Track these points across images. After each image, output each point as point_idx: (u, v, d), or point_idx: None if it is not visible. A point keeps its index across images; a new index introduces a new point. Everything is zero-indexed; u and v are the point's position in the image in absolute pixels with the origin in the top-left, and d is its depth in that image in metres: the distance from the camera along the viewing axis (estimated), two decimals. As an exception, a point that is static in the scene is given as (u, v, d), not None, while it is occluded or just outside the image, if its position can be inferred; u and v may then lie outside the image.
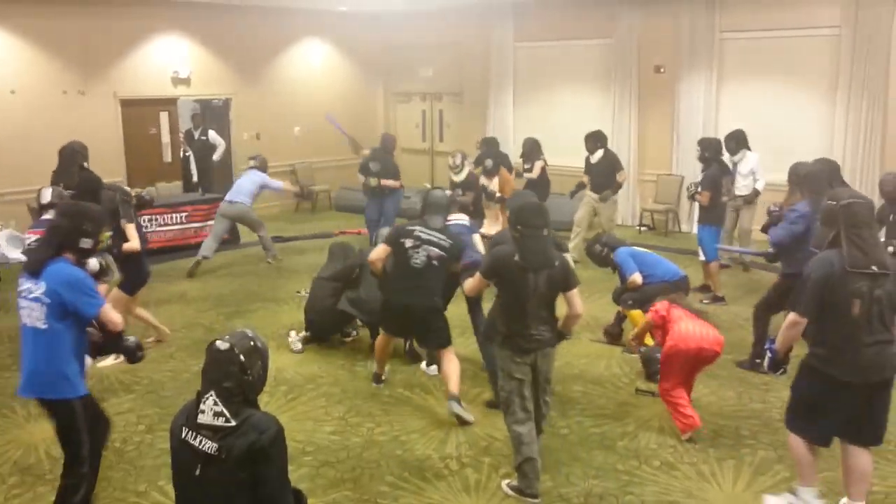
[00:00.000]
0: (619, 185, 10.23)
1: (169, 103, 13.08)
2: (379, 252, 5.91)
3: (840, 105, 10.76)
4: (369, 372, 6.63)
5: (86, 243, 4.07)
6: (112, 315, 4.12)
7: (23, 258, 10.25)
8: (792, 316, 4.25)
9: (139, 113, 12.67)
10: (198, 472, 2.88)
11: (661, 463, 5.08)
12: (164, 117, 13.13)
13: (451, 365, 5.75)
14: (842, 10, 10.61)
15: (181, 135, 13.03)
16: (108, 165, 12.08)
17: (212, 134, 12.75)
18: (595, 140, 10.18)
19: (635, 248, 7.21)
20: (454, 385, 5.66)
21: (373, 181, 10.55)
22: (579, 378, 6.48)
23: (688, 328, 5.41)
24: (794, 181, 6.76)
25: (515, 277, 4.55)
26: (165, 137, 13.22)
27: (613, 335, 7.30)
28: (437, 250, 5.72)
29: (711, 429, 5.52)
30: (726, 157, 9.23)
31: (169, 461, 5.05)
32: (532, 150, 10.78)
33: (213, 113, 13.85)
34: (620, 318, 7.24)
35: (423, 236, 5.73)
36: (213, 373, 2.92)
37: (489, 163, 10.28)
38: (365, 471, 5.01)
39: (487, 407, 5.82)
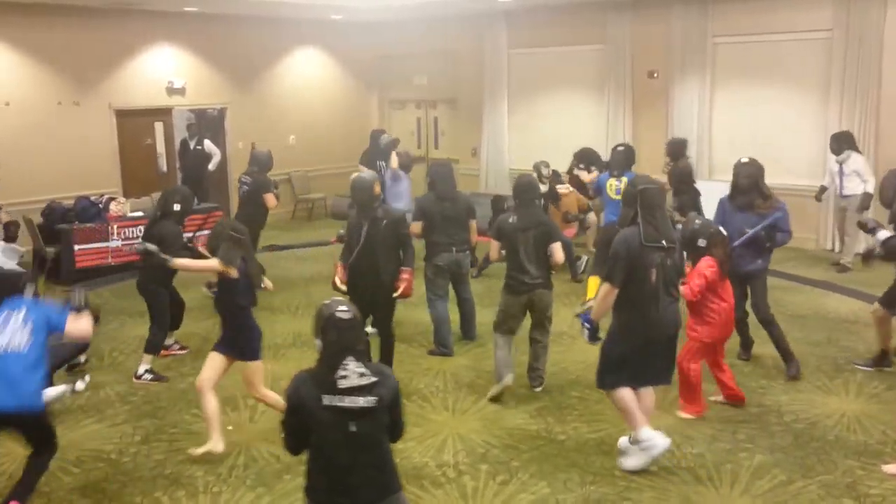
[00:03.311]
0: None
1: (164, 113, 13.09)
2: None
3: (833, 107, 10.79)
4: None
5: None
6: None
7: (18, 269, 10.35)
8: (604, 287, 4.87)
9: (134, 123, 12.67)
10: (353, 428, 3.16)
11: (659, 468, 5.06)
12: (158, 127, 13.14)
13: None
14: (833, 12, 10.64)
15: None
16: (104, 176, 12.12)
17: (207, 143, 12.73)
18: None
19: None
20: None
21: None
22: (576, 383, 6.48)
23: None
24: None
25: (512, 235, 6.03)
26: (161, 148, 13.24)
27: None
28: None
29: (708, 433, 5.52)
30: (831, 158, 9.74)
31: (165, 472, 5.09)
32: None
33: (209, 123, 13.86)
34: None
35: None
36: (346, 339, 3.20)
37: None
38: (362, 479, 4.99)
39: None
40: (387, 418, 3.24)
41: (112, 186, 12.07)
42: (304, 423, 3.22)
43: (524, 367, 6.42)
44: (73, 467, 5.26)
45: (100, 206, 10.58)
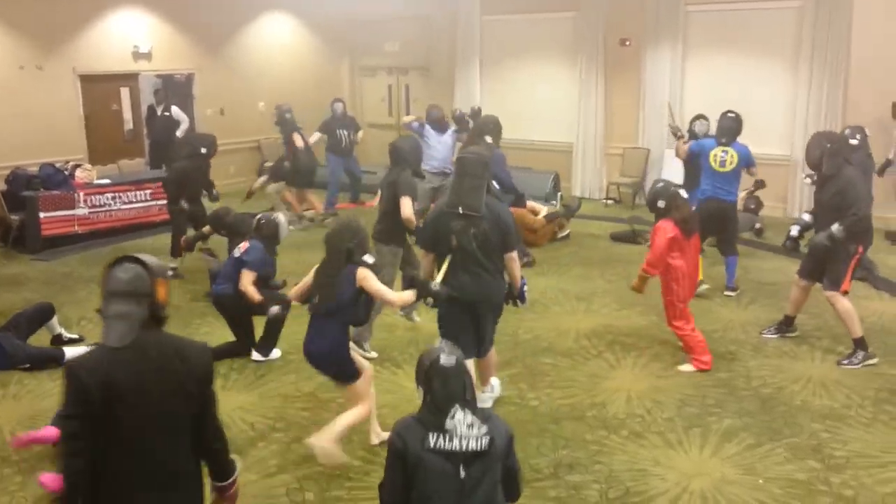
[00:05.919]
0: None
1: (130, 79, 12.82)
2: None
3: (802, 75, 10.89)
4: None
5: None
6: None
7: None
8: (421, 251, 5.20)
9: (100, 89, 12.41)
10: (462, 474, 2.91)
11: (630, 432, 5.15)
12: (125, 93, 12.88)
13: None
14: (804, -18, 10.70)
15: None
16: (69, 143, 11.86)
17: (175, 110, 12.50)
18: None
19: None
20: None
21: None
22: (549, 350, 6.53)
23: None
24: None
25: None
26: (127, 114, 12.99)
27: None
28: None
29: (678, 398, 5.61)
30: None
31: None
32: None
33: (176, 88, 13.59)
34: None
35: None
36: (453, 389, 2.99)
37: None
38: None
39: None
40: (500, 468, 2.98)
41: (78, 153, 11.83)
42: (407, 473, 2.94)
43: (502, 335, 6.45)
44: (43, 436, 5.19)
45: (65, 172, 10.38)
